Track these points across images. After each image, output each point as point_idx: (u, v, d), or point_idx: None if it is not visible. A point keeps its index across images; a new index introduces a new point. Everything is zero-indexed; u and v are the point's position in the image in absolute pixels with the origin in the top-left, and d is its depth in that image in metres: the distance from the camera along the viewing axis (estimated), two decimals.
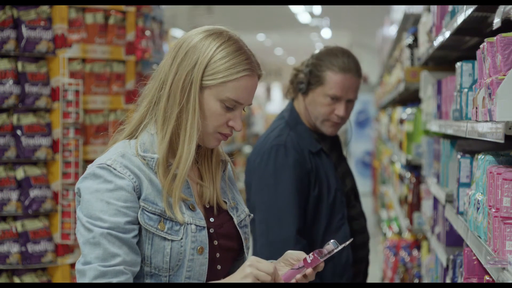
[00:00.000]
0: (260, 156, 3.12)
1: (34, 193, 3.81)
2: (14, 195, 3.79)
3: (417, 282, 4.90)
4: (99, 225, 1.91)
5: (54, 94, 3.90)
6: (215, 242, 2.06)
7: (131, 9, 4.27)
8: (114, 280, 1.89)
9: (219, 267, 2.06)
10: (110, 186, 1.95)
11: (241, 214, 2.14)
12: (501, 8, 2.11)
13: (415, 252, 5.48)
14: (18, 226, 3.80)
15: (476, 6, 2.43)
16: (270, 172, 3.07)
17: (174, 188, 1.99)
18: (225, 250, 2.08)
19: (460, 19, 2.69)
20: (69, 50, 3.98)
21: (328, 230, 3.10)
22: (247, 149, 12.73)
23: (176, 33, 9.38)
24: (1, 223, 3.79)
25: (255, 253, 3.12)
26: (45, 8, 3.88)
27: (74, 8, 4.03)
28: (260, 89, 23.00)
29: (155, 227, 1.96)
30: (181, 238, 1.98)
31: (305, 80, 3.17)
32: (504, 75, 2.07)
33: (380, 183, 9.93)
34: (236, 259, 2.14)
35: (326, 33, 17.09)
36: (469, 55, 3.14)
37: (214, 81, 2.00)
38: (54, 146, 3.90)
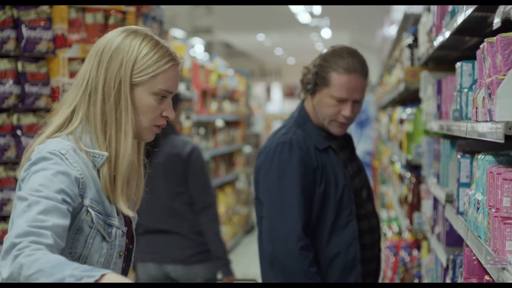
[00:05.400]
0: (266, 153, 3.18)
1: None
2: (14, 195, 3.78)
3: (417, 282, 4.90)
4: (36, 194, 1.82)
5: (54, 94, 3.90)
6: (131, 246, 2.16)
7: (131, 9, 4.27)
8: (39, 240, 1.73)
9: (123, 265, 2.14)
10: (59, 168, 1.91)
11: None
12: (501, 8, 2.11)
13: (415, 252, 5.48)
14: None
15: (476, 6, 2.43)
16: (274, 169, 3.12)
17: (116, 186, 2.03)
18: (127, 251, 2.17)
19: (460, 19, 2.69)
20: (69, 50, 3.97)
21: (336, 226, 3.13)
22: (247, 149, 12.71)
23: (176, 33, 9.35)
24: (1, 223, 3.78)
25: (260, 249, 3.19)
26: (45, 8, 3.87)
27: (74, 8, 4.03)
28: (260, 89, 22.94)
29: (102, 226, 1.99)
30: (113, 241, 2.02)
31: (312, 81, 3.19)
32: (504, 75, 2.07)
33: (380, 183, 9.93)
34: None
35: (326, 33, 17.07)
36: (469, 55, 3.14)
37: (146, 76, 2.05)
38: None
